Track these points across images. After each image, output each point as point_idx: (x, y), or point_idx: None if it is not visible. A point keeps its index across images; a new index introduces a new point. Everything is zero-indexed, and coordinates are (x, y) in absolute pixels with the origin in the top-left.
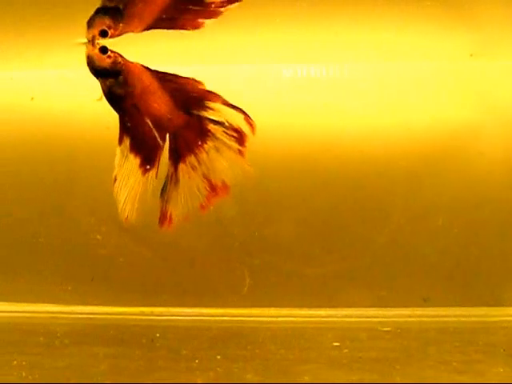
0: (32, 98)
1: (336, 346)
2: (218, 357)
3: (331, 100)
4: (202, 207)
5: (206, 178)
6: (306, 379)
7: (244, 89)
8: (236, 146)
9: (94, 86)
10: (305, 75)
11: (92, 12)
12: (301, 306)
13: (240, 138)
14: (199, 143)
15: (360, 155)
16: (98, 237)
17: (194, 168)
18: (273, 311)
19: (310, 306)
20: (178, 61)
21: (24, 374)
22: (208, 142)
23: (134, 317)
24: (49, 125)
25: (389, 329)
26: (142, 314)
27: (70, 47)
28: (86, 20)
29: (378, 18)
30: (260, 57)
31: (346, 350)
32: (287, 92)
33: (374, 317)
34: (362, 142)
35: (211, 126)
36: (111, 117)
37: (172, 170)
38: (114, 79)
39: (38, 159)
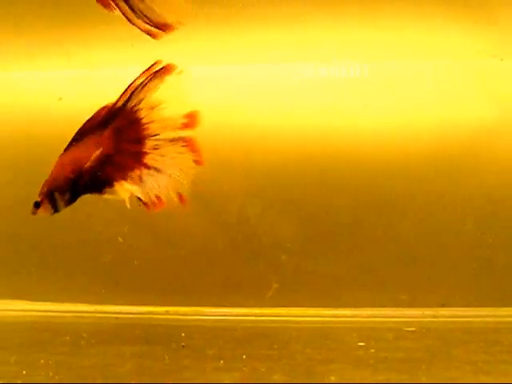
0: (60, 98)
1: (361, 345)
2: (244, 356)
3: (353, 99)
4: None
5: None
6: (333, 379)
7: (261, 89)
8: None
9: (120, 85)
10: (326, 75)
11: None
12: (326, 305)
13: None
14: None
15: (382, 155)
16: (120, 239)
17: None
18: (297, 311)
19: (335, 306)
20: (198, 61)
21: (51, 374)
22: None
23: (159, 316)
24: (77, 125)
25: (413, 329)
26: (167, 313)
27: (98, 47)
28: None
29: (402, 17)
30: (278, 56)
31: (372, 350)
32: (308, 92)
33: (399, 317)
34: (386, 141)
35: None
36: None
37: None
38: (58, 200)
39: None
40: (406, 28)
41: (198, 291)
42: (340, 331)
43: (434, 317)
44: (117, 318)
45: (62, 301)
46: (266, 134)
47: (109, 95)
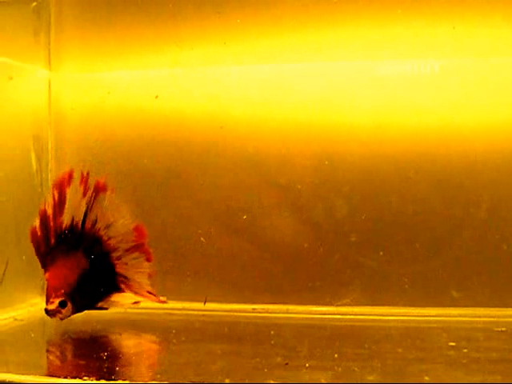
0: (156, 96)
1: (452, 345)
2: (336, 355)
3: (424, 97)
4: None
5: None
6: (427, 379)
7: (339, 86)
8: None
9: (212, 85)
10: (397, 72)
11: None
12: (412, 305)
13: None
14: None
15: (452, 152)
16: (210, 233)
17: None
18: (384, 310)
19: (422, 305)
20: (279, 58)
21: (144, 371)
22: None
23: (247, 314)
24: (173, 123)
25: (504, 329)
26: (254, 311)
27: (199, 46)
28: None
29: (472, 14)
30: (349, 55)
31: (464, 350)
32: (379, 89)
33: (488, 316)
34: (456, 138)
35: None
36: (224, 117)
37: None
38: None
39: (158, 156)
40: (475, 25)
41: (284, 289)
42: (429, 331)
43: None
44: (203, 315)
45: None
46: (341, 133)
47: (202, 93)
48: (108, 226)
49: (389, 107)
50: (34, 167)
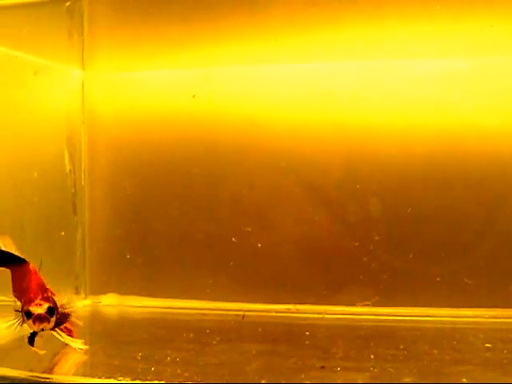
0: (193, 96)
1: (488, 347)
2: (372, 356)
3: (452, 95)
4: None
5: None
6: (465, 381)
7: (370, 85)
8: None
9: (246, 84)
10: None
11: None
12: (447, 306)
13: None
14: None
15: (489, 153)
16: (242, 232)
17: None
18: (419, 310)
19: (457, 306)
20: (313, 57)
21: (179, 371)
22: None
23: (280, 314)
24: (209, 122)
25: None
26: (288, 311)
27: (233, 46)
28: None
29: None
30: (377, 54)
31: (502, 352)
32: (416, 88)
33: None
34: (486, 138)
35: None
36: (259, 116)
37: None
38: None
39: (192, 156)
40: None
41: (319, 289)
42: (464, 332)
43: None
44: (237, 315)
45: (186, 297)
46: (371, 131)
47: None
48: None
49: (420, 106)
50: (68, 167)
